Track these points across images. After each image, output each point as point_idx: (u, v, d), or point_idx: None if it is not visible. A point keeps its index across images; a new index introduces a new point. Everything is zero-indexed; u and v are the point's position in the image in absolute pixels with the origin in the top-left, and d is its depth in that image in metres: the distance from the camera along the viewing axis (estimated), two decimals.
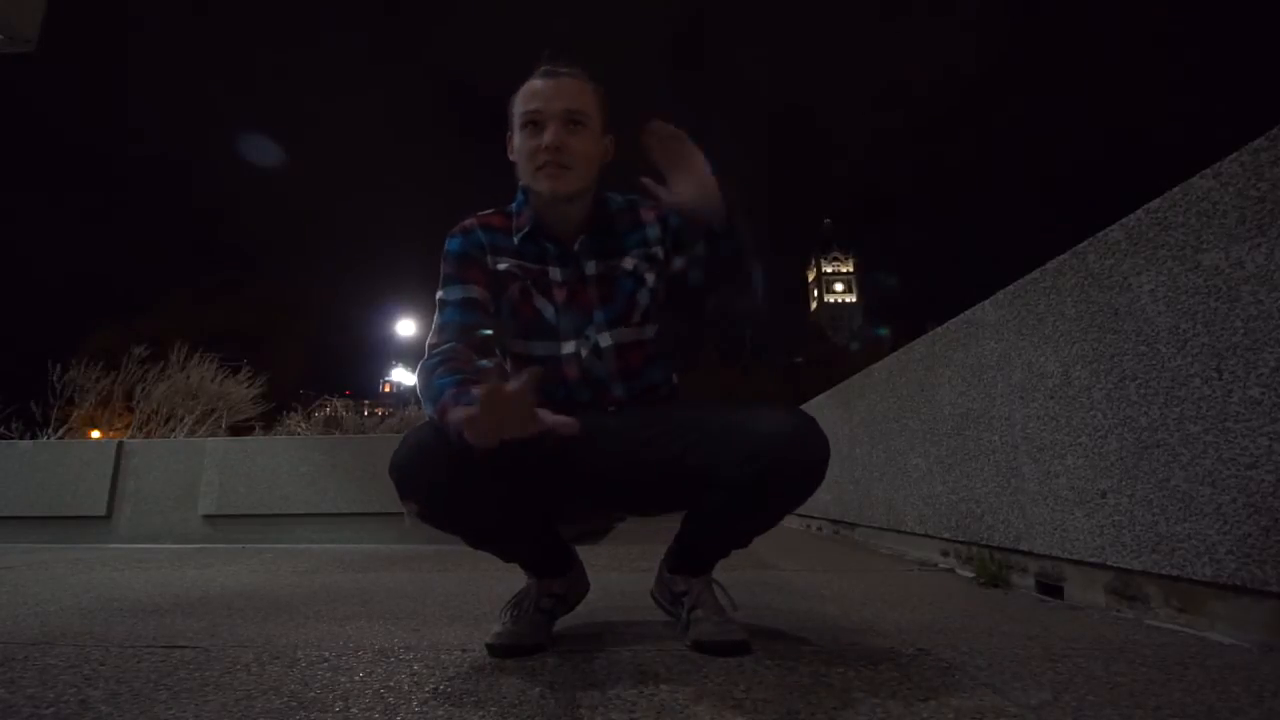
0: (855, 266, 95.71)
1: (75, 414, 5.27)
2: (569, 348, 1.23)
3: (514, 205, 1.27)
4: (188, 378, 5.66)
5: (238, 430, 5.89)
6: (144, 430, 5.36)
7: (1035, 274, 1.82)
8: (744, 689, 0.94)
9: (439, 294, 1.22)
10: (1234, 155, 1.22)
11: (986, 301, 2.09)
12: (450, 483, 1.00)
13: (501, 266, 1.23)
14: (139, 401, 5.49)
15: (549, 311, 1.23)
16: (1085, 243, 1.61)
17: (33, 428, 4.98)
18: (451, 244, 1.24)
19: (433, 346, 1.15)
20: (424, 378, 1.08)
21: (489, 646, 1.14)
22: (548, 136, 1.16)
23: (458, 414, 0.90)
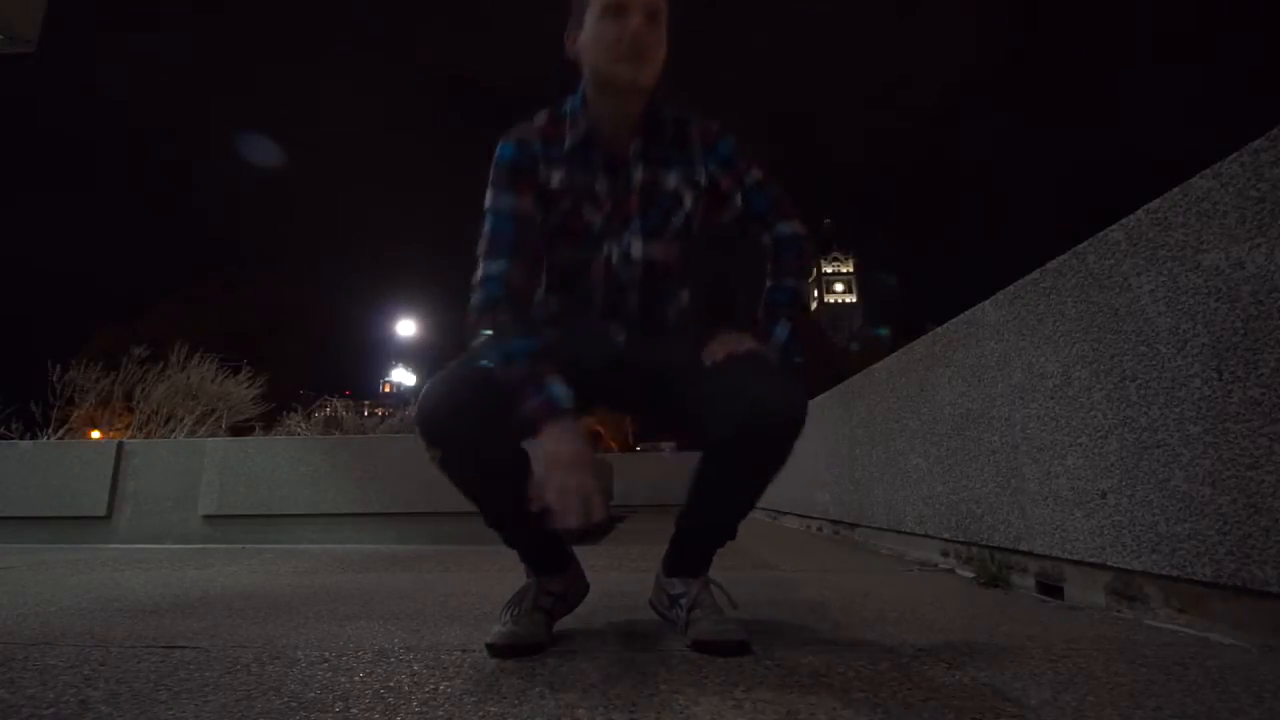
0: (855, 266, 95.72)
1: (75, 414, 5.27)
2: (603, 251, 1.26)
3: (567, 108, 1.27)
4: (188, 378, 5.66)
5: (238, 430, 5.89)
6: (144, 430, 5.36)
7: (1035, 274, 1.82)
8: (744, 689, 0.94)
9: (488, 200, 1.24)
10: (1234, 155, 1.22)
11: (986, 302, 2.09)
12: (475, 430, 1.09)
13: (554, 181, 1.24)
14: (139, 402, 5.49)
15: (597, 223, 1.26)
16: (1085, 243, 1.61)
17: (33, 428, 4.99)
18: (504, 151, 1.24)
19: (488, 258, 1.19)
20: (489, 316, 1.15)
21: (489, 646, 1.14)
22: (634, 24, 1.15)
23: (557, 444, 1.03)
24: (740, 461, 1.17)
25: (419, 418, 1.14)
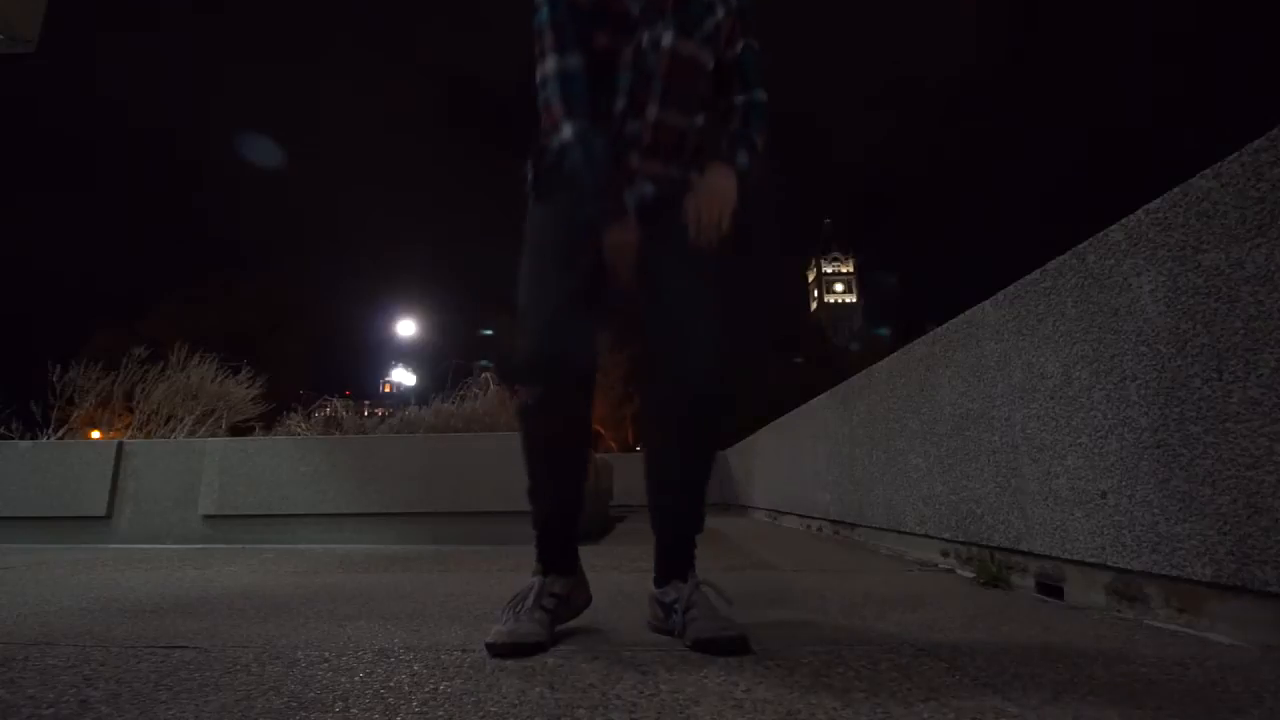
0: (855, 266, 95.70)
1: (75, 414, 5.26)
2: (635, 38, 1.30)
3: None
4: (188, 378, 5.65)
5: (238, 430, 5.87)
6: (144, 430, 5.36)
7: (1035, 274, 1.82)
8: (744, 689, 0.94)
9: None
10: (1234, 155, 1.22)
11: (986, 302, 2.09)
12: (582, 380, 1.21)
13: None
14: (139, 402, 5.48)
15: (634, 9, 1.30)
16: (1085, 243, 1.61)
17: (33, 428, 4.97)
18: None
19: (558, 52, 1.25)
20: (571, 113, 1.23)
21: (489, 646, 1.14)
22: None
23: (625, 235, 1.20)
24: (673, 438, 1.30)
25: (530, 349, 1.21)
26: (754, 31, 1.43)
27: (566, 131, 1.22)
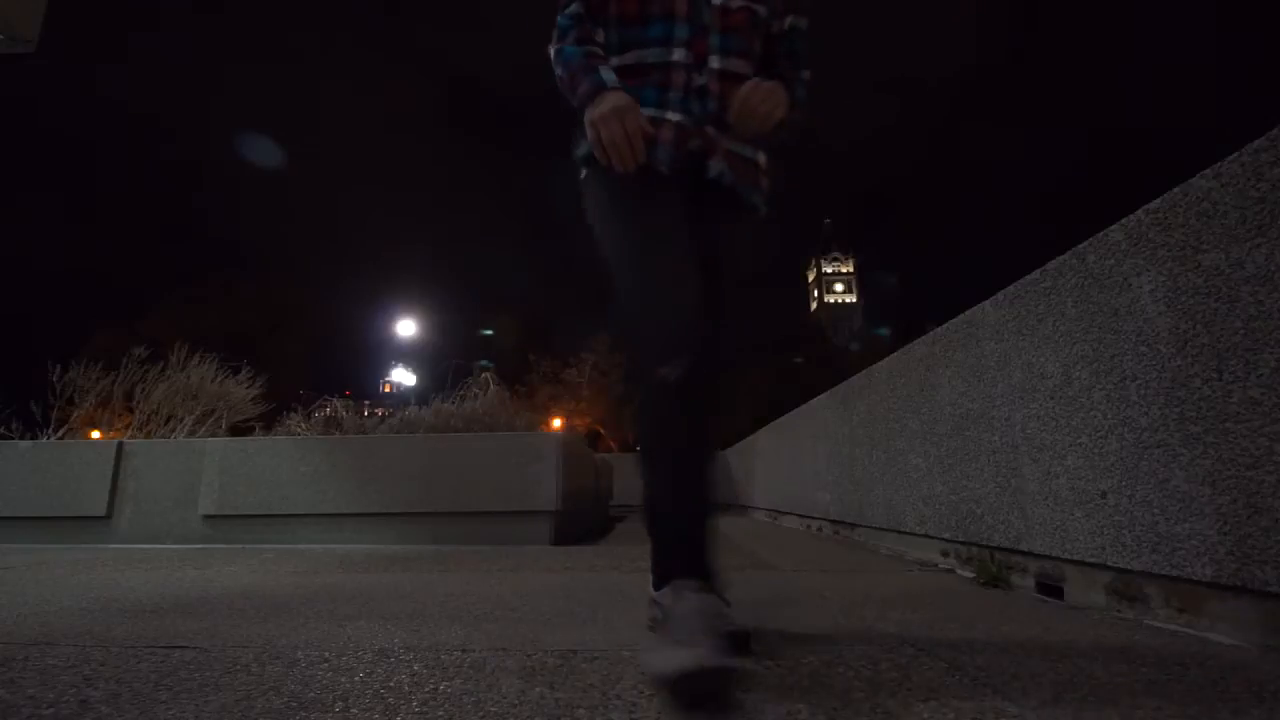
0: (855, 266, 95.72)
1: (75, 414, 5.26)
2: None
3: None
4: (188, 378, 5.65)
5: (238, 430, 5.87)
6: (144, 430, 5.36)
7: (1035, 274, 1.82)
8: (744, 689, 0.94)
9: None
10: (1234, 155, 1.22)
11: (986, 302, 2.09)
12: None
13: None
14: (139, 402, 5.48)
15: None
16: (1085, 243, 1.61)
17: (33, 428, 4.98)
18: None
19: (562, 5, 1.36)
20: (558, 41, 1.34)
21: (677, 681, 0.85)
22: None
23: (601, 105, 1.19)
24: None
25: (665, 318, 1.17)
26: (803, 9, 1.44)
27: (550, 51, 1.33)
